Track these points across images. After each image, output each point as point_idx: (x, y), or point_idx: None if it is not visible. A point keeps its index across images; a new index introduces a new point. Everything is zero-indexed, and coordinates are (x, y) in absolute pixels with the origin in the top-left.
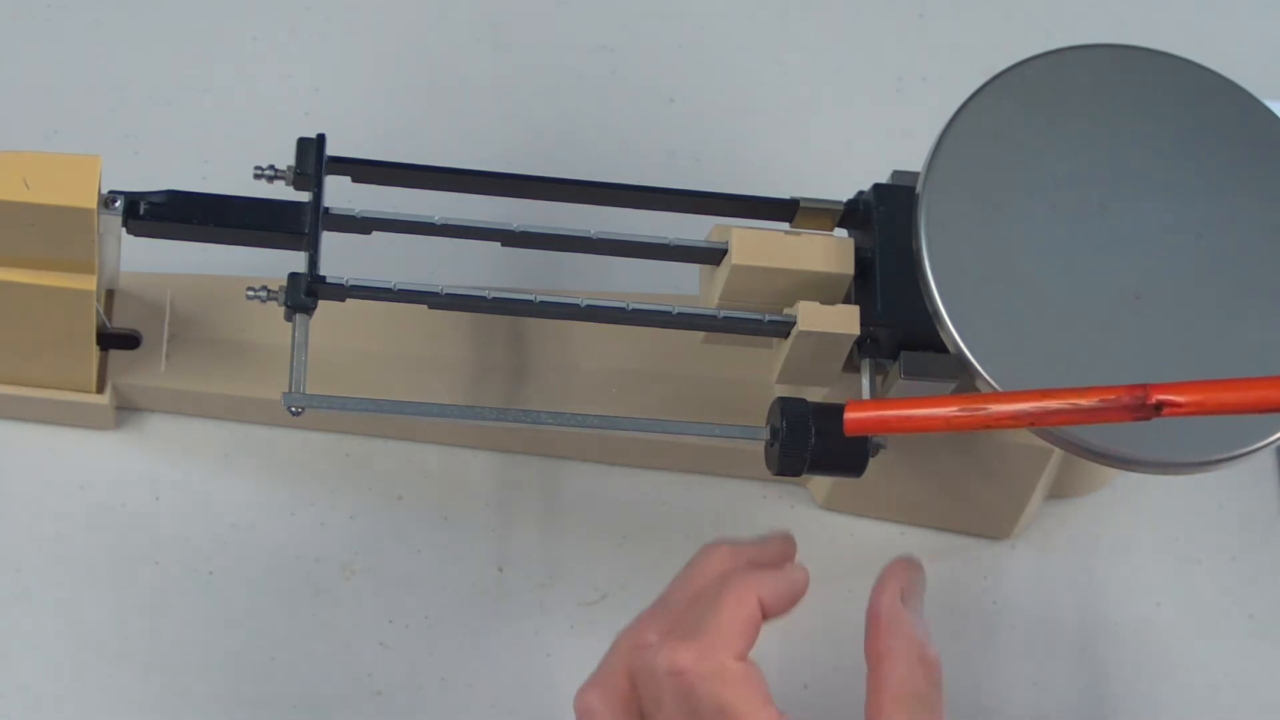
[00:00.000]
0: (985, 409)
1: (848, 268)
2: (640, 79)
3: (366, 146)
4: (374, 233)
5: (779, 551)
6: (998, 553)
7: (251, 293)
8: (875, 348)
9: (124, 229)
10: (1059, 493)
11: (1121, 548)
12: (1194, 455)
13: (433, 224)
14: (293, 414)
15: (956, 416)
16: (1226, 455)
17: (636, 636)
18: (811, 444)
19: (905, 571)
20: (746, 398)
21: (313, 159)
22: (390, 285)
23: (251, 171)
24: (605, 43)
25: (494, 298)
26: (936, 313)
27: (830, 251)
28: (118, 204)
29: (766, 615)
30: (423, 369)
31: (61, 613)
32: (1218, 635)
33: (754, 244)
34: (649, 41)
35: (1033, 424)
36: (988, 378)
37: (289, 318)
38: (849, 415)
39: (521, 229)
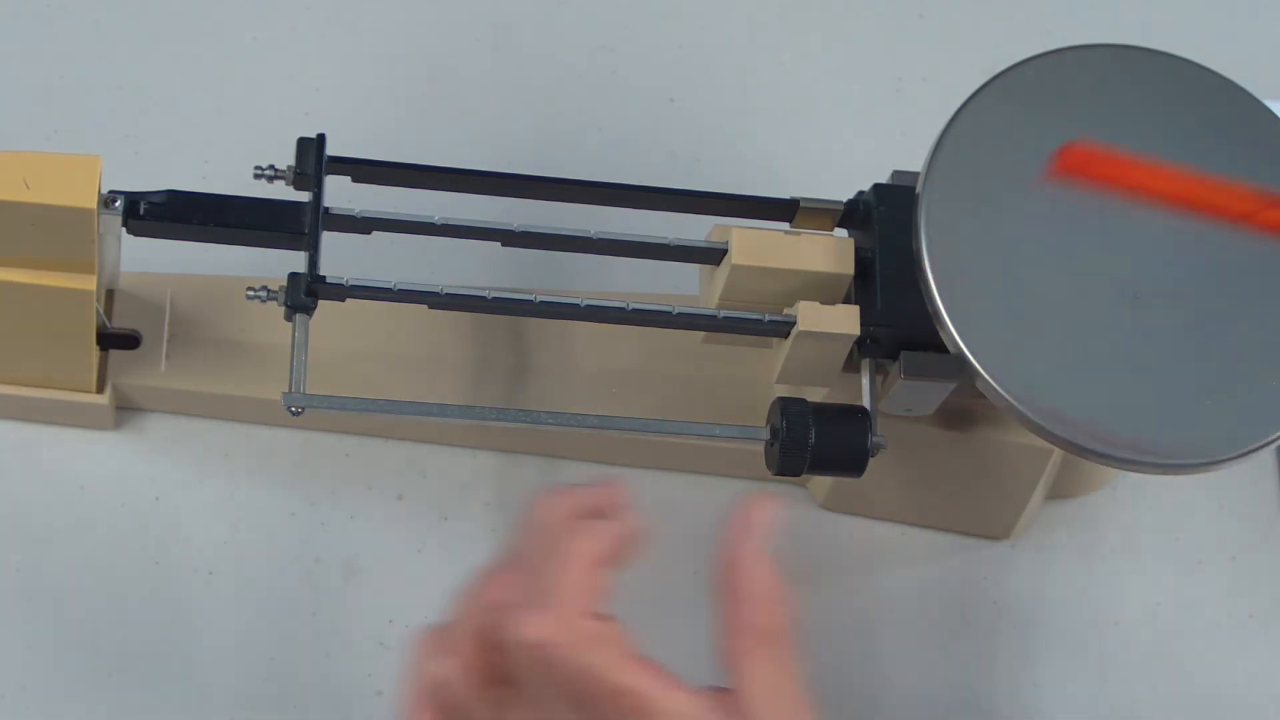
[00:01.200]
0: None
1: (848, 268)
2: (640, 79)
3: (366, 146)
4: (374, 233)
5: (612, 497)
6: (998, 553)
7: (251, 293)
8: (875, 348)
9: (124, 229)
10: (1059, 493)
11: (1121, 548)
12: (1194, 455)
13: (433, 224)
14: (293, 414)
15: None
16: (1226, 455)
17: (484, 594)
18: (811, 444)
19: (759, 508)
20: (746, 398)
21: (313, 159)
22: (390, 285)
23: (251, 171)
24: (605, 43)
25: (494, 298)
26: (936, 313)
27: (830, 251)
28: (118, 204)
29: (609, 567)
30: (423, 369)
31: (61, 612)
32: (1218, 635)
33: (754, 244)
34: (649, 41)
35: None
36: (988, 378)
37: (289, 318)
38: (1066, 152)
39: (521, 229)
